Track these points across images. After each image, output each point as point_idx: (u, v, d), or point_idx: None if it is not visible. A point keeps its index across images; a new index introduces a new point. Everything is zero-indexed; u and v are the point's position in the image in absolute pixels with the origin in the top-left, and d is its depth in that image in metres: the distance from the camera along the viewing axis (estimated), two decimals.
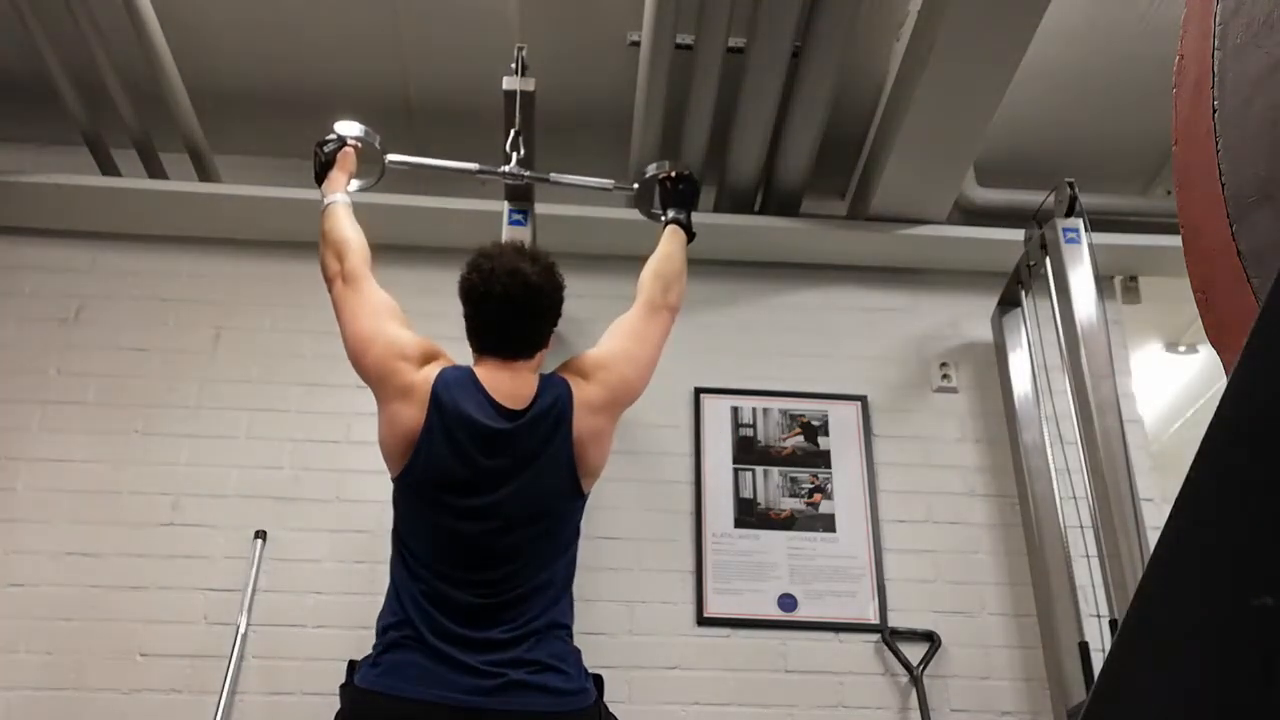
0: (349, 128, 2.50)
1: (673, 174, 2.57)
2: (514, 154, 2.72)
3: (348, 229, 2.22)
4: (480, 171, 2.73)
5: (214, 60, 3.29)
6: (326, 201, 2.31)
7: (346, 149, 2.45)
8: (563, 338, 3.21)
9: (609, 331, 2.22)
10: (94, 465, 3.00)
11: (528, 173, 2.73)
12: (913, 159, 3.11)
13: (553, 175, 2.76)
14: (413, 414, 1.91)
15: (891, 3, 3.10)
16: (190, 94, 3.15)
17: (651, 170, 2.62)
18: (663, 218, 2.53)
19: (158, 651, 2.76)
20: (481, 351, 2.07)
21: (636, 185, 2.68)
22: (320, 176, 2.40)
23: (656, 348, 2.21)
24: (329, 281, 2.19)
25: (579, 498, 2.01)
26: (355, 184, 2.49)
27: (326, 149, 2.42)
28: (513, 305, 2.01)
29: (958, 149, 3.12)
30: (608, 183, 2.78)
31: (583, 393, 2.00)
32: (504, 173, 2.71)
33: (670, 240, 2.43)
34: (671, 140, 3.23)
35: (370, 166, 2.61)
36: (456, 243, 3.35)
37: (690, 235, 2.49)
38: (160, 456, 3.02)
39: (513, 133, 2.73)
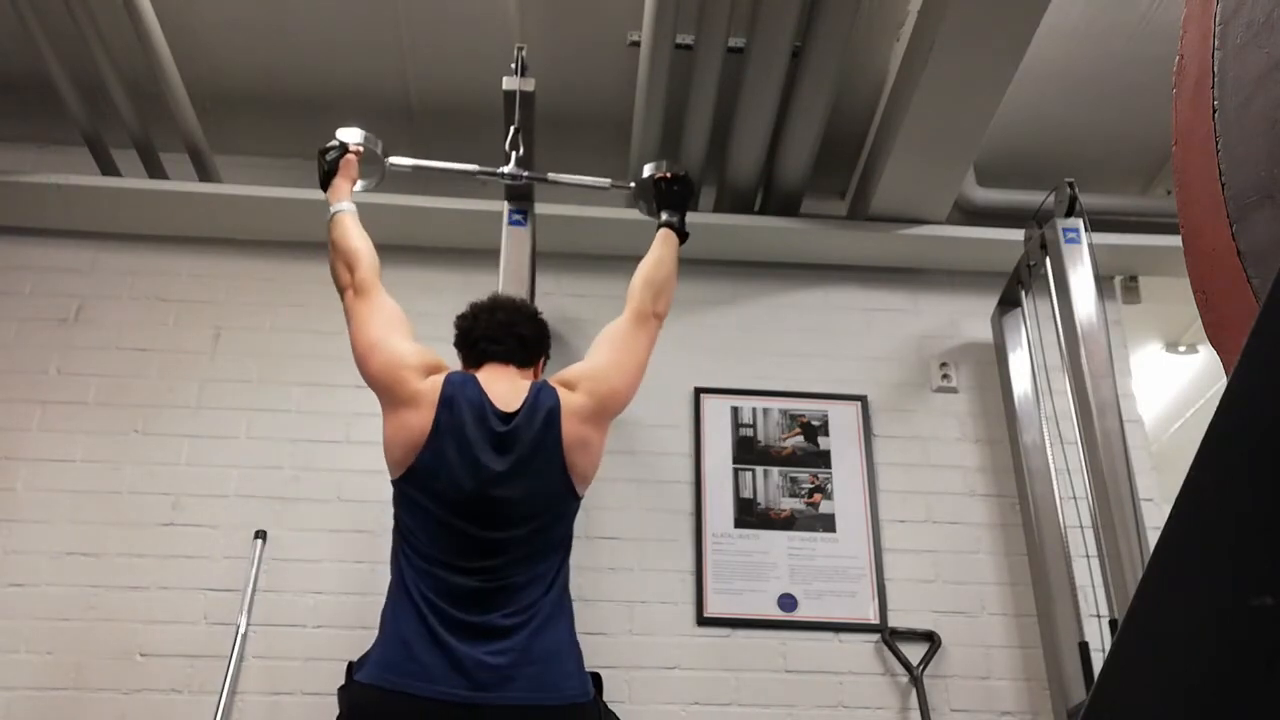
0: (350, 134, 2.53)
1: (668, 174, 2.57)
2: (513, 152, 2.74)
3: (356, 239, 2.27)
4: (479, 172, 2.76)
5: (214, 60, 3.29)
6: (333, 210, 2.35)
7: (349, 155, 2.48)
8: (562, 338, 3.21)
9: (596, 342, 2.27)
10: (94, 465, 2.99)
11: (526, 172, 2.75)
12: (913, 159, 3.11)
13: (550, 175, 2.77)
14: (420, 419, 1.97)
15: (891, 3, 3.10)
16: (190, 94, 3.15)
17: (649, 170, 2.63)
18: (657, 217, 2.55)
19: (158, 651, 2.76)
20: (481, 361, 2.18)
21: (633, 184, 2.69)
22: (325, 184, 2.43)
23: (644, 355, 2.25)
24: (341, 291, 2.24)
25: (573, 499, 2.05)
26: (359, 184, 2.53)
27: (329, 157, 2.45)
28: (503, 313, 2.24)
29: (958, 149, 3.11)
30: (604, 181, 2.79)
31: (570, 401, 2.06)
32: (502, 173, 2.74)
33: (663, 244, 2.44)
34: (671, 140, 3.23)
35: (372, 169, 2.64)
36: (457, 243, 3.36)
37: (683, 237, 2.51)
38: (160, 456, 3.02)
39: (512, 130, 2.74)
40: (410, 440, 1.96)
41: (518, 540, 1.92)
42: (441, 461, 1.93)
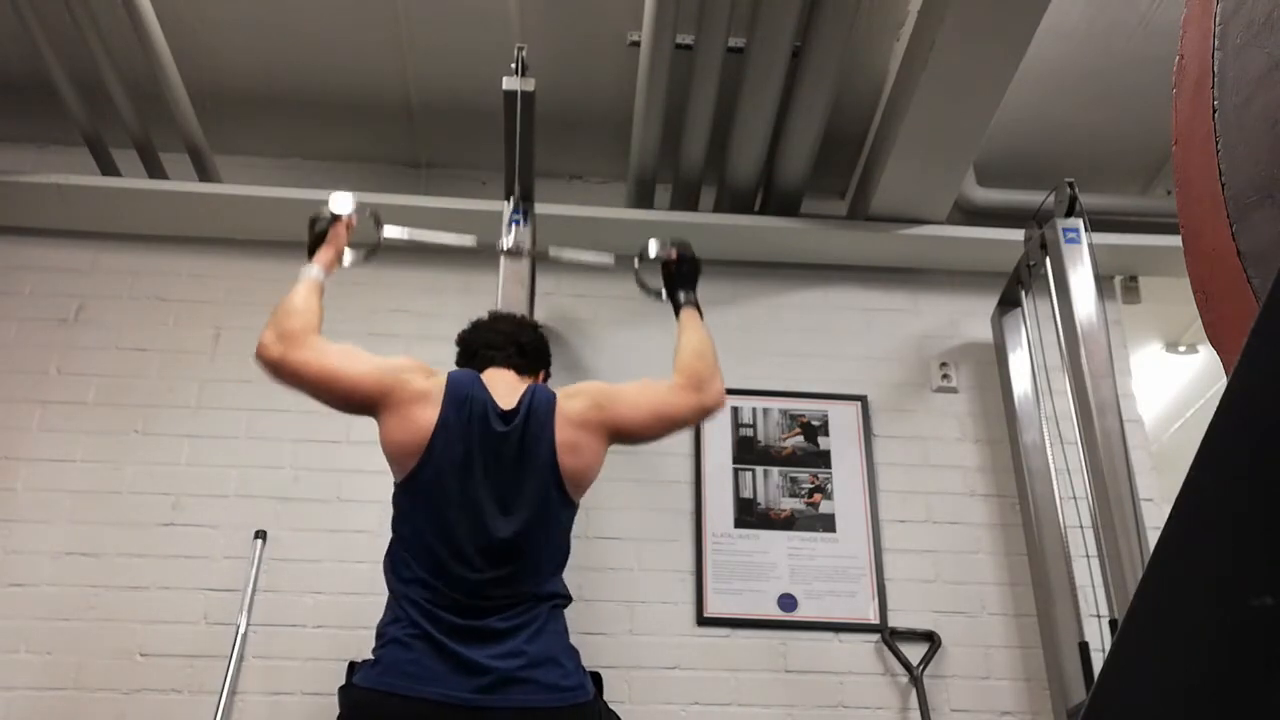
0: (342, 202, 2.37)
1: (675, 255, 2.50)
2: (514, 225, 2.60)
3: (299, 300, 2.13)
4: (478, 246, 2.56)
5: (214, 60, 3.29)
6: (301, 273, 2.23)
7: (338, 225, 2.33)
8: (563, 338, 3.22)
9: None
10: (94, 465, 2.99)
11: (527, 247, 2.58)
12: (913, 159, 3.11)
13: (551, 251, 2.61)
14: (429, 413, 1.96)
15: (891, 3, 3.10)
16: (190, 94, 3.15)
17: (654, 251, 2.54)
18: (674, 299, 2.48)
19: (158, 651, 2.76)
20: (483, 367, 2.17)
21: (638, 261, 2.58)
22: (311, 252, 2.32)
23: (666, 409, 2.16)
24: (262, 350, 2.04)
25: (566, 503, 2.02)
26: (349, 256, 2.39)
27: (318, 227, 2.33)
28: (504, 324, 2.27)
29: (958, 149, 3.12)
30: (608, 258, 2.68)
31: (566, 405, 2.06)
32: (503, 250, 2.55)
33: (697, 325, 2.38)
34: (671, 140, 3.23)
35: (365, 239, 2.50)
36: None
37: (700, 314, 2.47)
38: (160, 456, 3.02)
39: (510, 201, 2.56)
40: (419, 434, 1.94)
41: (515, 545, 1.92)
42: (445, 460, 1.93)
